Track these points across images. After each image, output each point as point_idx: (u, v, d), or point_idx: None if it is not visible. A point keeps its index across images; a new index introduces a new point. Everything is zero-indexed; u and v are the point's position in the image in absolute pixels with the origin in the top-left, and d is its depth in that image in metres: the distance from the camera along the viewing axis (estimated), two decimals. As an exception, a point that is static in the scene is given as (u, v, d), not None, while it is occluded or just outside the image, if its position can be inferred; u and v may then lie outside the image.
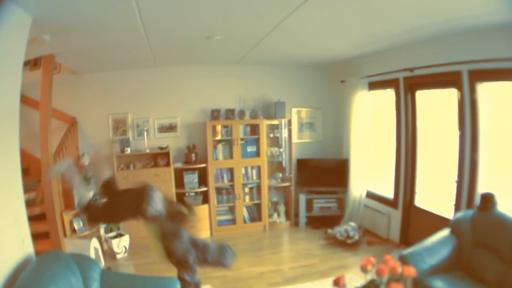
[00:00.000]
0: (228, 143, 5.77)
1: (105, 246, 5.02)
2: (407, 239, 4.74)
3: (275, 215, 6.09)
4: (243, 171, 5.84)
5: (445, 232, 3.35)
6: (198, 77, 5.92)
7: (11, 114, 2.48)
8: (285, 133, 6.08)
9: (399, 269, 2.32)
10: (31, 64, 5.03)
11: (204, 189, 5.68)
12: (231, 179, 5.82)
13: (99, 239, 4.86)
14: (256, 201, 5.97)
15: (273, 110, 5.96)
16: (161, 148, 5.55)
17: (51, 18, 2.66)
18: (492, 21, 3.04)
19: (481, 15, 2.92)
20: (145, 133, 5.67)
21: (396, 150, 4.93)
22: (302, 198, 5.89)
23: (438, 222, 4.02)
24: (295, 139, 6.25)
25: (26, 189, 3.01)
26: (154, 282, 3.04)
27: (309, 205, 5.97)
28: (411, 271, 2.31)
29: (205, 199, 5.72)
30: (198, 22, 3.16)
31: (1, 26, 2.13)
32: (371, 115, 5.45)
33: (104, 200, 3.00)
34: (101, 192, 3.05)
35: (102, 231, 5.12)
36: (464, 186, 3.81)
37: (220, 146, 5.74)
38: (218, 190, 5.85)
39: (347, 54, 5.15)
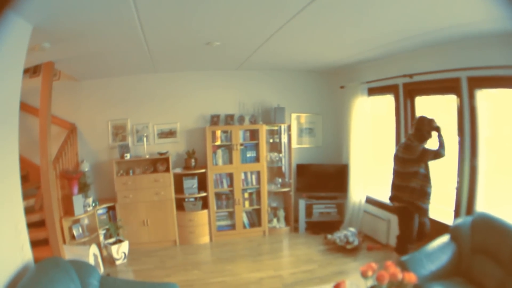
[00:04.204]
0: (228, 148, 5.76)
1: (105, 252, 5.01)
2: (407, 244, 4.72)
3: (275, 220, 6.08)
4: (242, 176, 5.83)
5: (444, 238, 3.34)
6: (198, 83, 5.93)
7: (11, 121, 2.49)
8: (284, 139, 6.08)
9: (400, 275, 2.32)
10: (31, 71, 5.05)
11: (204, 194, 5.67)
12: (231, 185, 5.81)
13: (98, 245, 4.84)
14: (255, 207, 5.96)
15: (273, 115, 5.96)
16: (160, 154, 5.55)
17: (51, 26, 2.67)
18: (490, 28, 3.05)
19: (479, 23, 2.93)
20: (145, 138, 5.66)
21: (396, 156, 4.92)
22: (302, 204, 5.89)
23: (437, 228, 4.01)
24: (294, 145, 6.26)
25: (25, 196, 3.02)
26: (153, 288, 3.04)
27: (309, 210, 5.97)
28: (412, 278, 2.31)
29: (205, 204, 5.70)
30: (198, 28, 3.17)
31: (1, 36, 2.14)
32: (370, 121, 5.45)
33: None
34: None
35: (101, 237, 5.12)
36: (464, 192, 3.81)
37: (219, 152, 5.73)
38: (218, 196, 5.84)
39: (346, 60, 5.16)
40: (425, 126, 3.74)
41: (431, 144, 3.79)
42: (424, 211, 3.80)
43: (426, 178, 3.75)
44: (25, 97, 3.25)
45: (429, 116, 3.76)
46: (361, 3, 2.57)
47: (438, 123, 3.72)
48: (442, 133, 3.70)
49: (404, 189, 3.82)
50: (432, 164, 3.80)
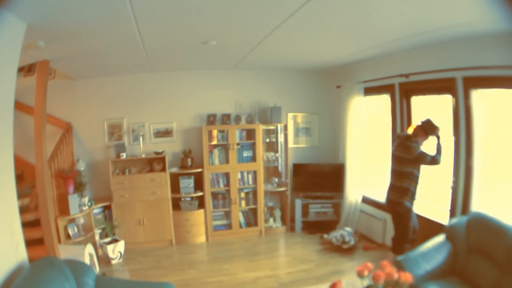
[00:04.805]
0: (224, 148, 5.75)
1: (100, 252, 4.99)
2: (402, 244, 4.73)
3: (271, 220, 6.08)
4: (239, 176, 5.83)
5: (440, 238, 3.35)
6: (194, 82, 5.92)
7: (5, 120, 2.47)
8: (281, 138, 6.07)
9: (396, 275, 2.32)
10: (26, 70, 5.02)
11: (200, 194, 5.67)
12: (227, 184, 5.81)
13: (94, 245, 4.83)
14: (252, 206, 5.95)
15: (269, 115, 5.97)
16: (156, 153, 5.54)
17: (46, 24, 2.65)
18: (485, 29, 3.06)
19: (474, 23, 2.94)
20: (141, 138, 5.64)
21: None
22: (298, 203, 5.89)
23: (433, 227, 4.02)
24: (291, 144, 6.26)
25: (20, 195, 2.99)
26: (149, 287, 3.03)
27: (305, 210, 5.97)
28: (407, 277, 2.31)
29: (201, 204, 5.69)
30: (194, 27, 3.15)
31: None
32: (366, 120, 5.47)
33: None
34: None
35: (97, 236, 5.09)
36: (459, 192, 3.82)
37: (216, 151, 5.72)
38: (214, 195, 5.83)
39: (343, 60, 5.17)
40: (430, 129, 3.81)
41: (428, 149, 3.83)
42: (408, 210, 3.92)
43: (417, 179, 3.87)
44: (20, 95, 3.24)
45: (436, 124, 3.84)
46: (357, 3, 2.57)
47: (441, 133, 3.81)
48: (441, 141, 3.77)
49: (397, 189, 3.91)
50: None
